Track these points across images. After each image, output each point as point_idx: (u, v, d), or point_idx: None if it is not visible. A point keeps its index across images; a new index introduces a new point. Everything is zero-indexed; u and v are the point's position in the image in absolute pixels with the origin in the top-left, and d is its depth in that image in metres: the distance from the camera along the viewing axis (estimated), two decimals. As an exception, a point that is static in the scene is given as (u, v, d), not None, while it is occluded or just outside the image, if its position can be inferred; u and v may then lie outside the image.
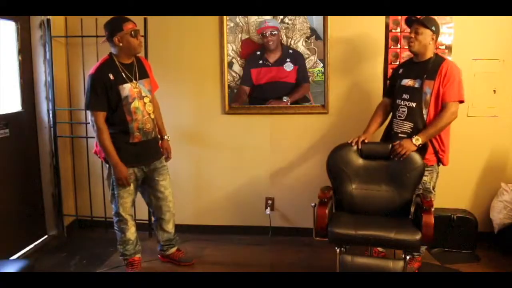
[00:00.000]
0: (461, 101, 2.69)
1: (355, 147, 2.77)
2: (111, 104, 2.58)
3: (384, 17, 3.23)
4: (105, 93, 2.55)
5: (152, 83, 2.82)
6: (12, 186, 3.15)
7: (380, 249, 2.88)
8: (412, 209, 2.65)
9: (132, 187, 2.75)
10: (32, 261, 2.83)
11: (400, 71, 2.87)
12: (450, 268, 2.95)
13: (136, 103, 2.63)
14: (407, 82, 2.78)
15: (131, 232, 2.83)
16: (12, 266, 2.06)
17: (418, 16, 2.71)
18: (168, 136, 2.95)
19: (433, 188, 2.81)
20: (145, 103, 2.68)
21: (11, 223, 3.11)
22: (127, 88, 2.61)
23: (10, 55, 3.16)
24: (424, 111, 2.69)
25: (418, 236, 2.36)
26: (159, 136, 2.88)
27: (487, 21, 3.12)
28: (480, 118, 3.26)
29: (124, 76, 2.62)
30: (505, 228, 3.13)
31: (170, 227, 2.99)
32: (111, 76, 2.57)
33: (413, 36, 2.70)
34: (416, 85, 2.72)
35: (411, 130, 2.72)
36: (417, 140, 2.63)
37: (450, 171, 3.27)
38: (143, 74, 2.74)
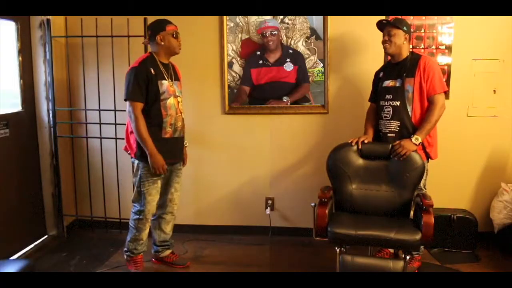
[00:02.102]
0: (446, 92, 2.75)
1: (355, 147, 2.78)
2: (149, 98, 2.67)
3: (384, 17, 3.22)
4: (146, 85, 2.65)
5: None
6: (12, 186, 3.14)
7: (391, 250, 2.88)
8: (412, 209, 2.65)
9: (159, 184, 2.80)
10: (32, 261, 2.83)
11: (381, 74, 2.93)
12: (450, 268, 2.95)
13: (171, 100, 2.73)
14: (388, 83, 2.83)
15: (146, 233, 2.85)
16: (12, 266, 2.06)
17: (390, 17, 2.79)
18: (186, 143, 3.00)
19: (424, 187, 2.82)
20: (178, 102, 2.79)
21: (11, 223, 3.11)
22: (165, 85, 2.72)
23: (10, 55, 3.16)
24: (409, 108, 2.74)
25: (418, 236, 2.36)
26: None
27: (487, 21, 3.13)
28: (480, 118, 3.26)
29: (163, 73, 2.73)
30: (505, 228, 3.13)
31: (168, 229, 3.00)
32: (153, 71, 2.68)
33: (387, 39, 2.77)
34: (398, 84, 2.78)
35: (398, 128, 2.76)
36: (417, 139, 2.66)
37: (450, 171, 3.29)
38: (176, 77, 2.86)
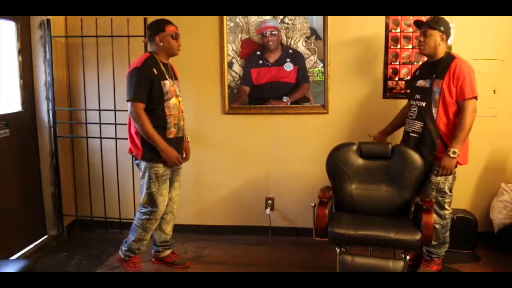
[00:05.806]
0: (476, 97, 2.63)
1: (355, 147, 2.78)
2: (153, 98, 2.66)
3: (384, 17, 3.23)
4: (148, 86, 2.63)
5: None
6: (12, 186, 3.14)
7: None
8: (412, 209, 2.65)
9: (168, 183, 2.81)
10: (32, 261, 2.83)
11: (417, 72, 2.90)
12: (450, 268, 2.95)
13: (173, 100, 2.73)
14: (420, 82, 2.80)
15: (151, 234, 2.86)
16: (12, 266, 2.06)
17: (426, 17, 2.72)
18: (188, 137, 2.99)
19: (450, 190, 2.74)
20: (179, 102, 2.80)
21: (11, 223, 3.11)
22: (167, 85, 2.71)
23: (10, 55, 3.16)
24: (434, 111, 2.67)
25: (418, 236, 2.36)
26: None
27: (487, 21, 3.13)
28: (480, 118, 3.23)
29: (164, 73, 2.73)
30: (505, 228, 3.13)
31: (169, 229, 3.00)
32: (155, 71, 2.67)
33: (422, 40, 2.70)
34: (427, 85, 2.72)
35: (421, 129, 2.72)
36: (454, 153, 2.58)
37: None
38: (175, 76, 2.86)
